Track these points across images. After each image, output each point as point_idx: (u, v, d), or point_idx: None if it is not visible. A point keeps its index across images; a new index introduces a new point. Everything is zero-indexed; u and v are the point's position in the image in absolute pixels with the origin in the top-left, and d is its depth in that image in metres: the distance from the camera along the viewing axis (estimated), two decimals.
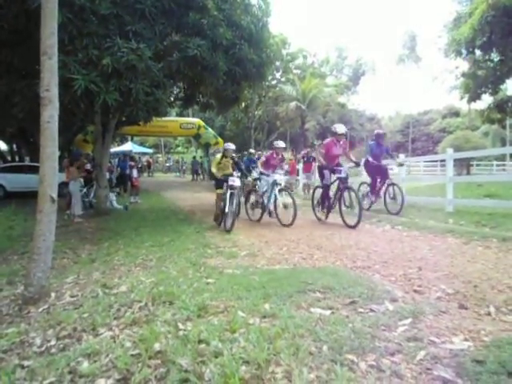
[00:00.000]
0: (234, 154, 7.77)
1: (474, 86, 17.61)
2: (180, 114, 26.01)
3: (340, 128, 6.95)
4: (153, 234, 6.18)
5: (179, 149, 52.04)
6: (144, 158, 34.61)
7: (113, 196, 10.87)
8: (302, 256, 4.22)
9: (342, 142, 6.97)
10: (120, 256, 4.71)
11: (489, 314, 2.21)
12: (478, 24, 14.59)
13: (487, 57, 16.81)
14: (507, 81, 18.29)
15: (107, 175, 11.43)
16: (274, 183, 7.21)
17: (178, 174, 33.88)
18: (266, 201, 7.39)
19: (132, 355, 1.96)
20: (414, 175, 13.52)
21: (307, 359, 1.73)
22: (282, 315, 2.24)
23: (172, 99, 11.82)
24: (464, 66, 18.97)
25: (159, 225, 7.35)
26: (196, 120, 23.84)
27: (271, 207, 7.39)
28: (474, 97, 18.14)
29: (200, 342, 2.01)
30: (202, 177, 27.06)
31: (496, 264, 3.38)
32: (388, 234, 5.42)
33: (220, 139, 24.47)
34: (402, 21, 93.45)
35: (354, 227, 6.10)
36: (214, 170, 6.98)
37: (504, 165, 25.83)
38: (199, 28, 7.96)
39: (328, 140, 7.18)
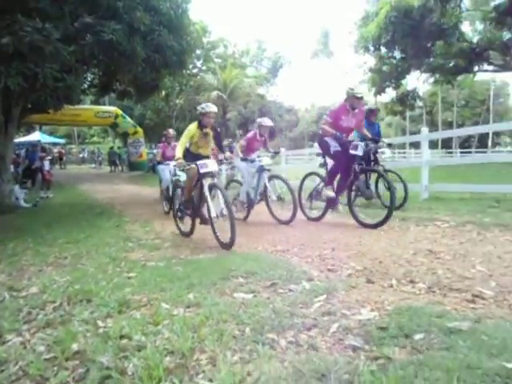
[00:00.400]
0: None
1: (379, 81, 19.31)
2: (95, 102, 24.31)
3: (358, 90, 5.03)
4: (67, 231, 5.77)
5: (95, 139, 48.82)
6: (55, 149, 31.81)
7: (20, 193, 9.77)
8: None
9: (356, 112, 5.05)
10: (29, 256, 4.32)
11: (391, 286, 2.48)
12: (383, 23, 15.93)
13: (391, 54, 18.45)
14: (407, 76, 20.33)
15: (12, 168, 10.31)
16: (261, 169, 5.67)
17: (93, 165, 31.83)
18: (251, 194, 5.82)
19: (46, 359, 1.84)
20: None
21: (231, 343, 1.78)
22: (206, 303, 2.28)
23: (86, 86, 11.03)
24: (371, 61, 20.62)
25: (74, 220, 6.87)
26: (113, 108, 22.52)
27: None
28: (380, 90, 19.94)
29: (122, 337, 1.96)
30: (120, 168, 25.77)
31: (397, 242, 3.79)
32: (304, 219, 5.72)
33: (139, 128, 23.49)
34: (318, 16, 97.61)
35: (375, 227, 4.59)
36: (179, 148, 4.45)
37: (404, 152, 28.67)
38: (114, 11, 7.49)
39: (338, 106, 5.16)
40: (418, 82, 23.56)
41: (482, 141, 36.91)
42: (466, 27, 20.86)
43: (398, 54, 18.40)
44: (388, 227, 4.66)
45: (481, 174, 9.00)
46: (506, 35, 17.31)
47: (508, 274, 2.51)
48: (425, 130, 7.23)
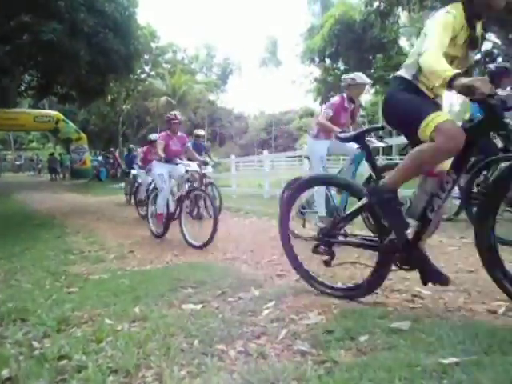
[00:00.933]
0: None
1: (324, 91, 20.16)
2: (34, 106, 22.88)
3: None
4: (0, 244, 5.33)
5: (34, 144, 45.85)
6: None
7: None
8: (174, 253, 4.18)
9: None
10: None
11: None
12: (328, 36, 16.68)
13: (335, 65, 19.31)
14: None
15: None
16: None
17: (31, 172, 29.88)
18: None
19: None
20: (276, 170, 14.75)
21: (178, 357, 1.73)
22: (153, 316, 2.20)
23: (23, 88, 10.35)
24: (317, 72, 21.46)
25: (9, 233, 6.37)
26: (54, 113, 21.29)
27: None
28: (325, 100, 20.79)
29: (60, 358, 1.82)
30: (61, 176, 24.40)
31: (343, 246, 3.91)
32: (254, 226, 5.75)
33: (83, 134, 22.44)
34: (266, 25, 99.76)
35: None
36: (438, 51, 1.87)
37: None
38: (55, 10, 7.11)
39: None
40: None
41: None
42: (403, 42, 22.40)
43: (341, 66, 19.31)
44: None
45: None
46: None
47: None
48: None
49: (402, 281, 2.62)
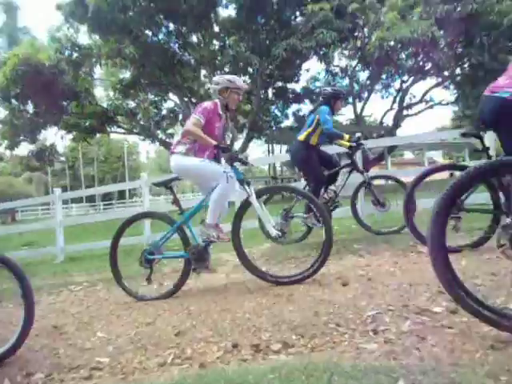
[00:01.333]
0: None
1: (12, 134, 17.76)
2: None
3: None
4: None
5: None
6: None
7: None
8: None
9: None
10: None
11: None
12: (11, 75, 14.87)
13: (23, 107, 17.44)
14: (47, 131, 19.85)
15: None
16: None
17: None
18: None
19: None
20: None
21: None
22: None
23: None
24: (3, 112, 18.78)
25: None
26: None
27: None
28: (13, 144, 18.40)
29: None
30: None
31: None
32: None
33: None
34: None
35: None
36: None
37: (49, 209, 26.93)
38: None
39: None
40: (56, 137, 23.31)
41: (122, 192, 40.35)
42: (100, 92, 22.95)
43: (31, 109, 17.63)
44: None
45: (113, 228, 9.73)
46: (131, 104, 20.39)
47: (123, 334, 2.64)
48: (57, 190, 7.17)
49: (83, 353, 2.40)
